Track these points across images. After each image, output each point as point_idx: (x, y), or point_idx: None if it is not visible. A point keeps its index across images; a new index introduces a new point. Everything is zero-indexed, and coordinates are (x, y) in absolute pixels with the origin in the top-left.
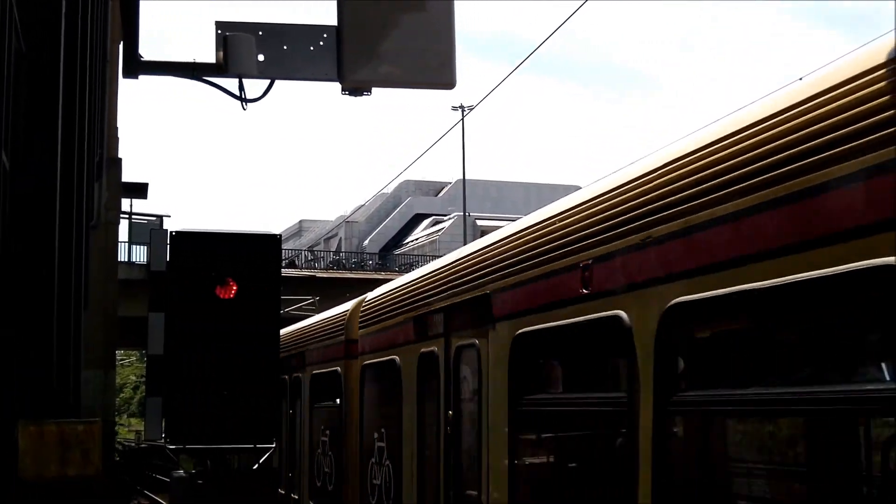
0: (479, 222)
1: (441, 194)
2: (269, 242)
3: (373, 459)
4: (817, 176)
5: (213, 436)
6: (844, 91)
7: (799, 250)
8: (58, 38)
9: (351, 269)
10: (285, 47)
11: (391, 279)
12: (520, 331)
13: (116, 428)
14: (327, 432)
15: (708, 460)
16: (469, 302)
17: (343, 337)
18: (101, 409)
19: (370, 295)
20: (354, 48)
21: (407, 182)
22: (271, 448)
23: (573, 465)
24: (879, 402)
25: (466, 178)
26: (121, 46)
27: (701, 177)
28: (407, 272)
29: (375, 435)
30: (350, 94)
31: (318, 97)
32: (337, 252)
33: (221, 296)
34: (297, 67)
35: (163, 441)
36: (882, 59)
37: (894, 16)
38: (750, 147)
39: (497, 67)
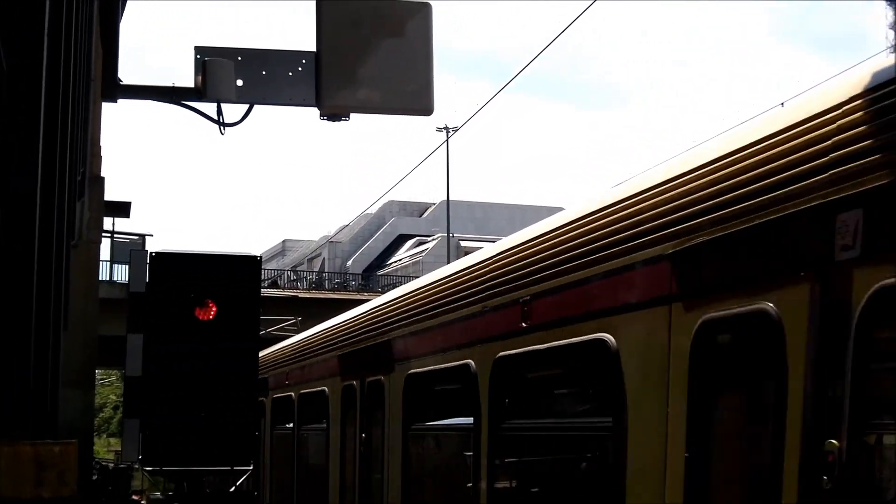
0: (464, 243)
1: (425, 215)
2: (249, 264)
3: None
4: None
5: (190, 457)
6: None
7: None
8: (40, 55)
9: (333, 290)
10: (264, 72)
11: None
12: (410, 371)
13: (95, 448)
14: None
15: (523, 465)
16: (376, 346)
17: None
18: (80, 428)
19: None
20: (333, 74)
21: (391, 202)
22: (249, 470)
23: (445, 472)
24: (601, 430)
25: (451, 199)
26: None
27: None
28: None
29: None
30: (328, 120)
31: (303, 117)
32: (319, 272)
33: (201, 317)
34: (276, 92)
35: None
36: None
37: None
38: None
39: (482, 87)
